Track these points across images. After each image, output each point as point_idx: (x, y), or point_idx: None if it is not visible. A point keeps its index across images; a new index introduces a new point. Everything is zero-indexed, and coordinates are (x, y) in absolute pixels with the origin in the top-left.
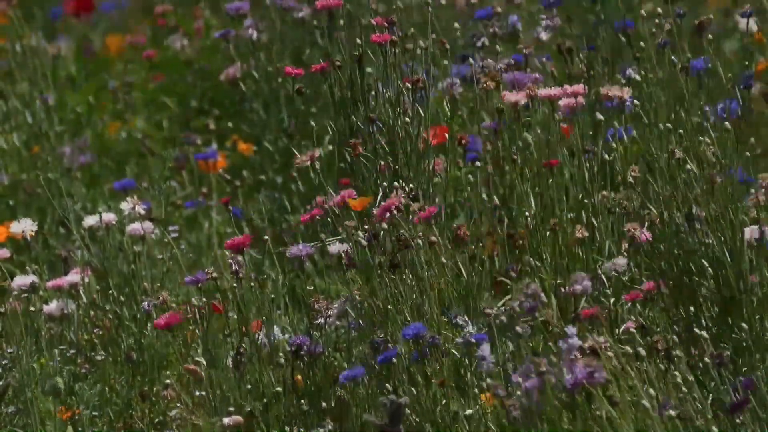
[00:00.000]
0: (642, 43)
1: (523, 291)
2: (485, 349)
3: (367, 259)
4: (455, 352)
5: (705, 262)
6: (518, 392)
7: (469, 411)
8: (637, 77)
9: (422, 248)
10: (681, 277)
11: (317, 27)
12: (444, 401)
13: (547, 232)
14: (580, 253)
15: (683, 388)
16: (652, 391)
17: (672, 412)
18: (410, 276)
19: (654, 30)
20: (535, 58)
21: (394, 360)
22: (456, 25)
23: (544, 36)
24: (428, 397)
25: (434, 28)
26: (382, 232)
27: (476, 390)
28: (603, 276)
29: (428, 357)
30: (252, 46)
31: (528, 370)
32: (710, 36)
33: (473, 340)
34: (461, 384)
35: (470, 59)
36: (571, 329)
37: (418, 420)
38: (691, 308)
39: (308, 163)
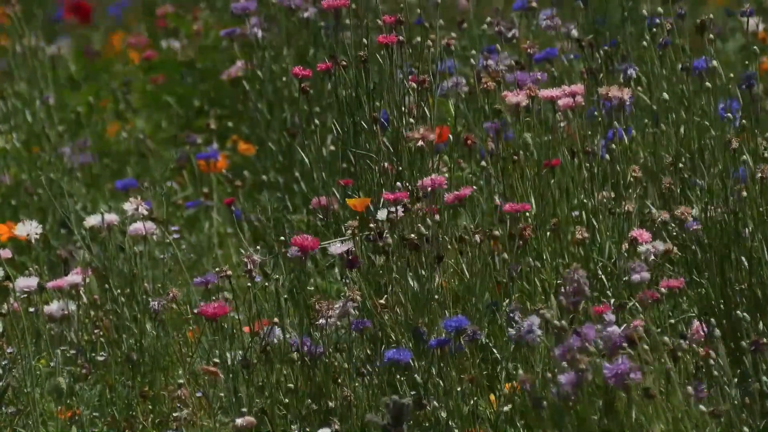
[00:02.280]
0: (644, 43)
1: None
2: (534, 320)
3: (374, 258)
4: (495, 352)
5: (744, 258)
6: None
7: (506, 408)
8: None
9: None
10: (715, 272)
11: (323, 27)
12: (475, 398)
13: (547, 233)
14: (581, 253)
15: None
16: (689, 389)
17: (703, 408)
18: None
19: (654, 30)
20: (563, 55)
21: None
22: (488, 18)
23: (575, 33)
24: (458, 394)
25: (468, 19)
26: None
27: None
28: (644, 261)
29: (464, 352)
30: (257, 45)
31: (561, 366)
32: (711, 36)
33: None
34: (492, 382)
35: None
36: (610, 315)
37: (444, 415)
38: (722, 303)
39: (420, 141)
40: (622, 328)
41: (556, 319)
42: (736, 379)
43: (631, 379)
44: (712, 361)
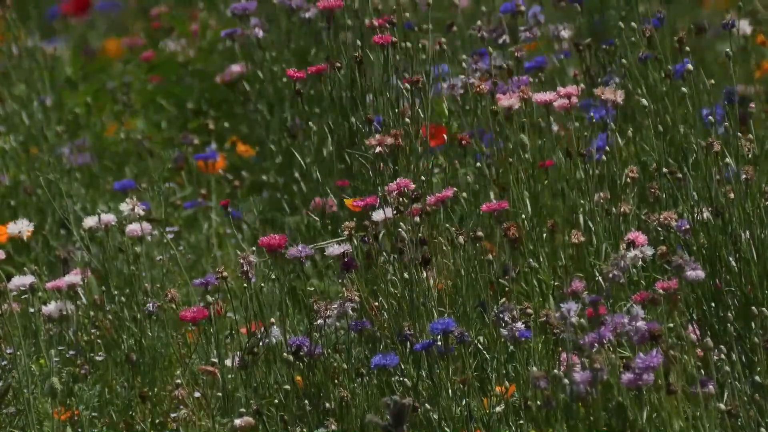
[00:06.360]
0: (624, 60)
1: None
2: (570, 305)
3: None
4: (485, 352)
5: (732, 260)
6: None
7: (498, 409)
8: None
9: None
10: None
11: (324, 27)
12: (465, 399)
13: (544, 234)
14: (577, 255)
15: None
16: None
17: (723, 406)
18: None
19: (633, 38)
20: (554, 55)
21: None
22: (478, 22)
23: (564, 34)
24: (449, 395)
25: (456, 23)
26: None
27: (496, 386)
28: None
29: (453, 353)
30: (258, 46)
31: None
32: (688, 49)
33: (519, 336)
34: (483, 381)
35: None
36: (638, 309)
37: (437, 417)
38: (712, 304)
39: (378, 149)
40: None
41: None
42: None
43: (652, 377)
44: (723, 356)
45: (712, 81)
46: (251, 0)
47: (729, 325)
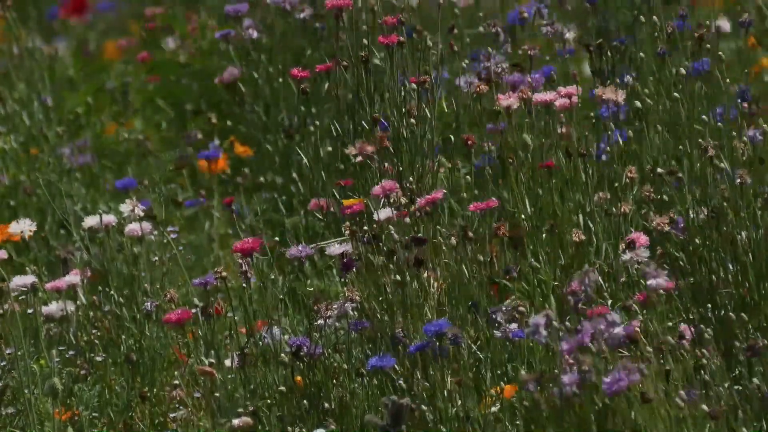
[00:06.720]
0: (641, 54)
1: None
2: (539, 320)
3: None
4: (478, 352)
5: (728, 263)
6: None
7: (494, 408)
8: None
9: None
10: (700, 276)
11: (319, 27)
12: (460, 401)
13: (543, 235)
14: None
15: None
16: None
17: (705, 407)
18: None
19: (656, 34)
20: (559, 51)
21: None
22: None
23: (569, 35)
24: (445, 397)
25: (458, 25)
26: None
27: (492, 389)
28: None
29: (448, 355)
30: (252, 47)
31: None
32: (708, 45)
33: (512, 336)
34: (479, 383)
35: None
36: (615, 315)
37: (432, 418)
38: (709, 306)
39: (359, 157)
40: (624, 326)
41: (556, 320)
42: (727, 383)
43: (629, 387)
44: (705, 361)
45: (728, 80)
46: (243, 2)
47: (713, 329)
